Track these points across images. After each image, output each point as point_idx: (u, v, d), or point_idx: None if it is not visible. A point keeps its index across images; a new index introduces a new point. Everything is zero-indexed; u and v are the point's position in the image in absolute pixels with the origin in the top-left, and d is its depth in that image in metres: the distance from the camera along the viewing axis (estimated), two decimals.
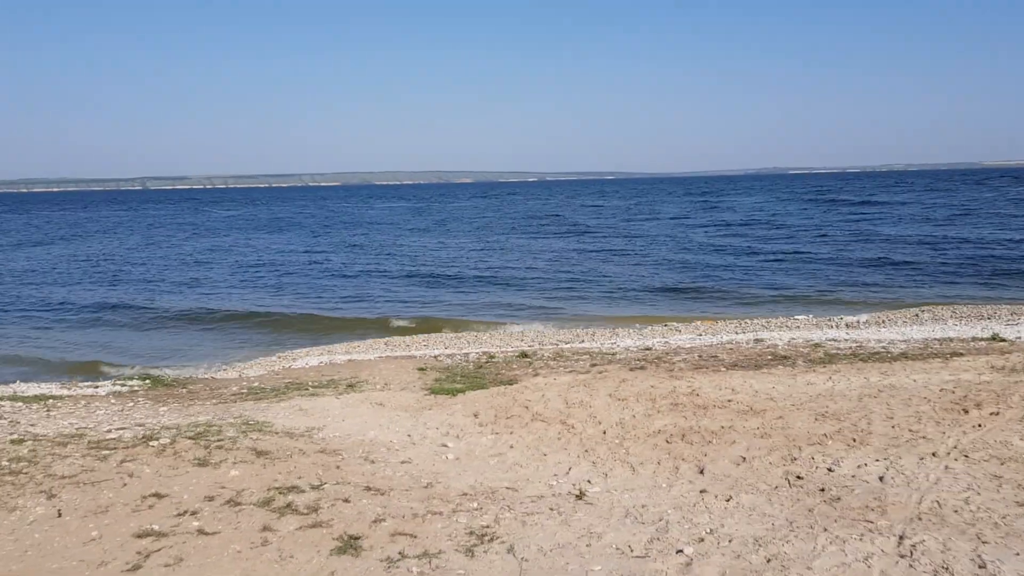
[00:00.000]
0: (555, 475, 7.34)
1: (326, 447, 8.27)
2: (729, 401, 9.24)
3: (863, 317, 18.64)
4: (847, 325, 17.87)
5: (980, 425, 7.99)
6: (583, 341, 17.29)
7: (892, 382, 9.88)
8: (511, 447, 8.25)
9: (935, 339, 14.43)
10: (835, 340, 14.35)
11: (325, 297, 26.36)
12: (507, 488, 6.97)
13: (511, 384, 11.22)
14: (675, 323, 19.32)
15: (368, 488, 6.91)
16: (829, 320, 18.55)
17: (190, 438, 8.43)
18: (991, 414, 8.36)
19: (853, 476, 6.81)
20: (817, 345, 13.52)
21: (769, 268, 29.98)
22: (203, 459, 7.72)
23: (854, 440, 7.72)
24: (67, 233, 62.84)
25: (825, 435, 7.88)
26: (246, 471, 7.37)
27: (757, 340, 14.52)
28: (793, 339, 14.61)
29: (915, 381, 9.90)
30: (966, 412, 8.44)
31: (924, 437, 7.72)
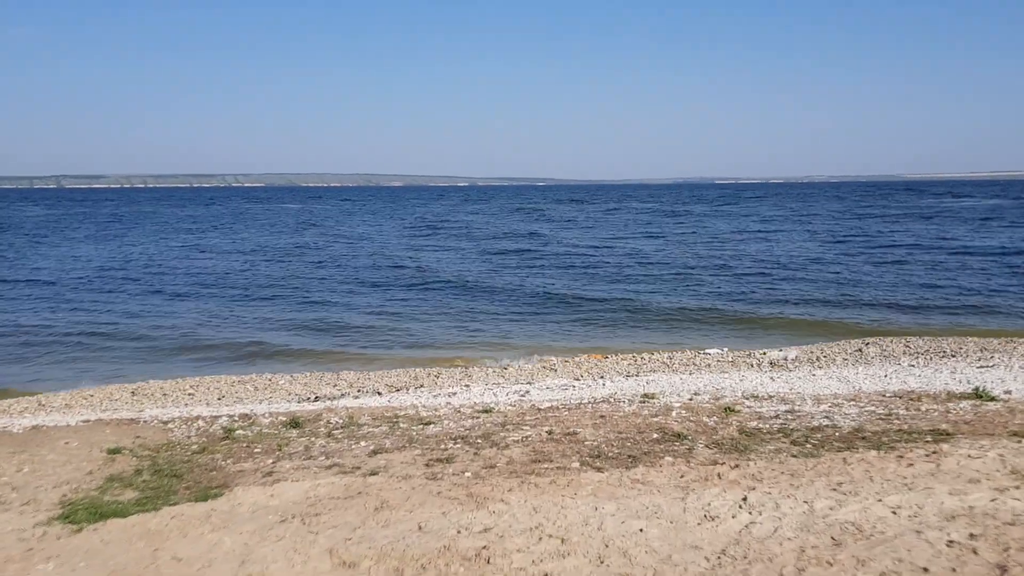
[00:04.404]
0: None
1: None
2: None
3: (792, 352, 14.38)
4: (771, 364, 13.57)
5: None
6: (420, 384, 12.63)
7: (856, 518, 5.40)
8: None
9: (894, 393, 10.17)
10: (755, 396, 9.94)
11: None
12: None
13: (206, 499, 6.47)
14: (554, 357, 14.78)
15: None
16: (748, 356, 14.24)
17: None
18: None
19: None
20: (729, 410, 9.04)
21: (680, 280, 25.73)
22: None
23: None
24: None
25: None
26: None
27: (646, 397, 9.99)
28: (697, 395, 10.13)
29: (896, 514, 5.44)
30: None
31: None
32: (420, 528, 5.37)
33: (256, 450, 8.02)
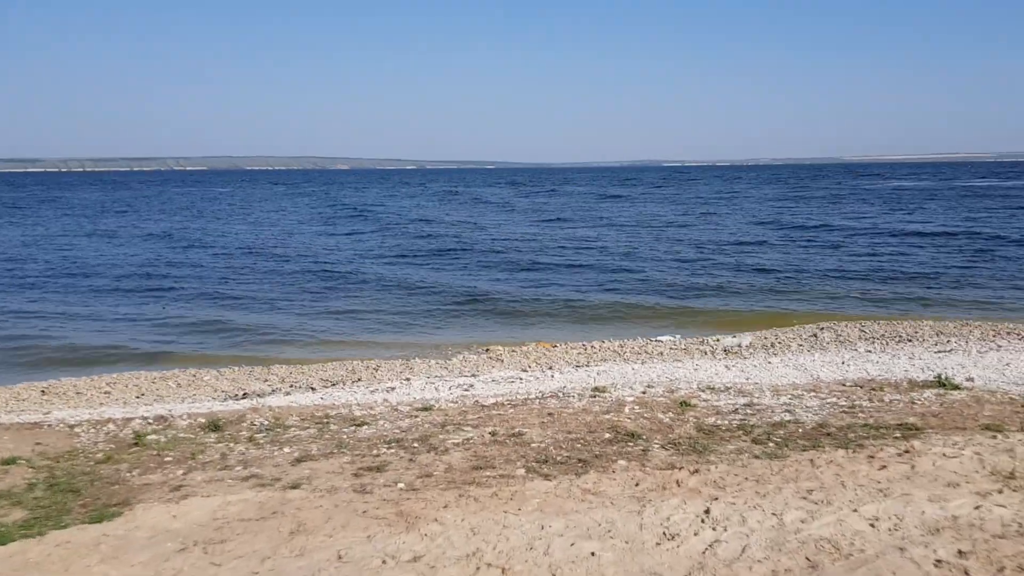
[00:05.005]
0: None
1: None
2: None
3: (746, 339, 13.93)
4: (725, 351, 13.10)
5: None
6: (358, 378, 11.89)
7: (831, 533, 4.84)
8: None
9: (854, 382, 9.74)
10: (711, 388, 9.41)
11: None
12: None
13: (101, 521, 5.69)
14: (501, 347, 14.13)
15: None
16: (701, 343, 13.75)
17: None
18: None
19: None
20: (685, 404, 8.49)
21: (621, 271, 24.86)
22: None
23: None
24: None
25: None
26: None
27: (597, 391, 9.39)
28: (651, 386, 9.58)
29: (874, 528, 4.91)
30: None
31: None
32: (340, 558, 4.67)
33: (167, 459, 7.22)
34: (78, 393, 11.13)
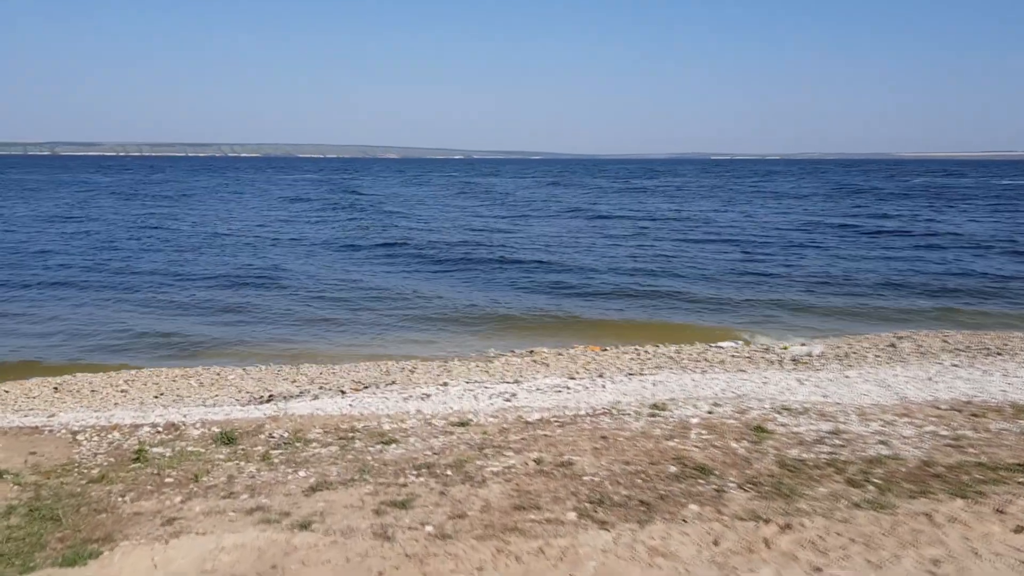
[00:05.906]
0: None
1: None
2: None
3: (816, 347, 12.71)
4: (794, 361, 11.92)
5: None
6: (392, 380, 10.98)
7: None
8: None
9: (949, 404, 8.54)
10: (787, 408, 8.27)
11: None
12: None
13: (74, 564, 4.84)
14: (546, 349, 13.11)
15: None
16: (767, 351, 12.57)
17: None
18: None
19: None
20: (760, 429, 7.39)
21: (677, 264, 23.33)
22: None
23: None
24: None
25: None
26: None
27: (655, 408, 8.32)
28: (717, 406, 8.47)
29: None
30: None
31: None
32: None
33: (167, 479, 6.34)
34: (93, 391, 10.38)
